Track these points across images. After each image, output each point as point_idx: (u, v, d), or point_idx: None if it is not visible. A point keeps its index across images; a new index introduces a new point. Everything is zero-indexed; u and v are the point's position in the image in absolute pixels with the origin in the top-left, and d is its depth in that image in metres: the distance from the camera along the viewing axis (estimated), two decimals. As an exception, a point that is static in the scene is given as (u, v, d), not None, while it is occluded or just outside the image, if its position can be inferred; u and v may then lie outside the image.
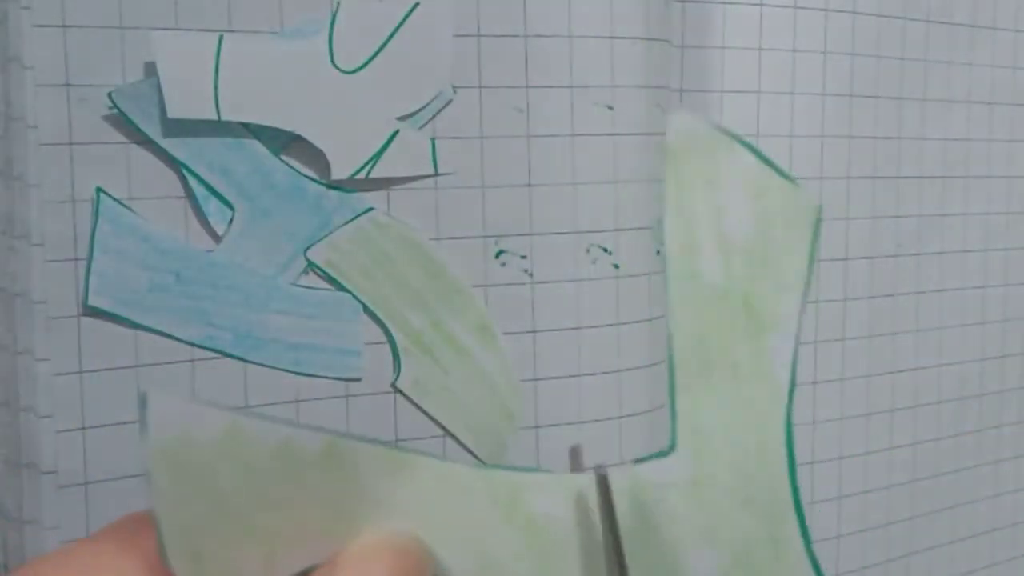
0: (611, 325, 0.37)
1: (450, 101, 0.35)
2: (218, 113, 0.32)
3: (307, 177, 0.33)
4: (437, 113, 0.34)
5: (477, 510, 0.20)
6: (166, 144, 0.32)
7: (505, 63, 0.35)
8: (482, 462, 0.35)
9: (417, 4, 0.34)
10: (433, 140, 0.34)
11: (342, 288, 0.34)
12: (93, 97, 0.31)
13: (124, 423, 0.32)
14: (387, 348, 0.35)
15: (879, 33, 0.43)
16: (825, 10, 0.41)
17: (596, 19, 0.36)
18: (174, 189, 0.32)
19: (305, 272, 0.34)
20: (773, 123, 0.41)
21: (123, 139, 0.31)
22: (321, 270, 0.34)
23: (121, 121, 0.31)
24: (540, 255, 0.36)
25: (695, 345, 0.20)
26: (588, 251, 0.36)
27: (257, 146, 0.33)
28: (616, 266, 0.37)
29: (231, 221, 0.33)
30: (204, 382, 0.33)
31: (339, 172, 0.33)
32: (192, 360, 0.32)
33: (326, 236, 0.34)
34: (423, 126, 0.34)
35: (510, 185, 0.35)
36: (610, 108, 0.36)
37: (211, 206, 0.32)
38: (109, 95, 0.31)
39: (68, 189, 0.31)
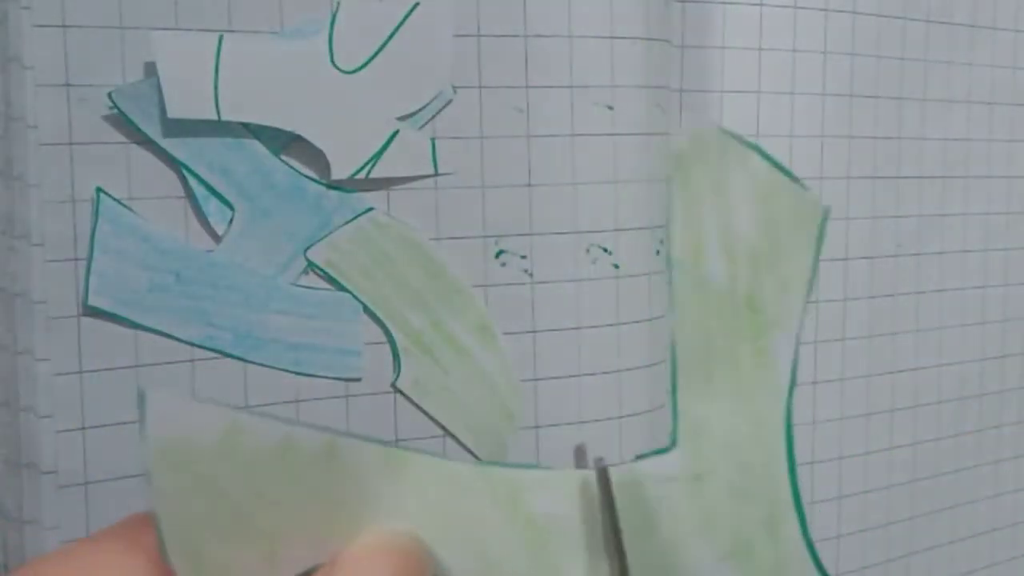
0: (611, 325, 0.37)
1: (450, 101, 0.35)
2: (218, 113, 0.32)
3: (307, 177, 0.33)
4: (437, 113, 0.34)
5: (477, 509, 0.20)
6: (166, 144, 0.32)
7: (505, 63, 0.35)
8: (482, 461, 0.35)
9: (417, 4, 0.34)
10: (433, 140, 0.34)
11: (342, 288, 0.34)
12: (93, 97, 0.31)
13: (124, 423, 0.32)
14: (387, 348, 0.35)
15: (879, 33, 0.43)
16: (825, 10, 0.41)
17: (596, 19, 0.36)
18: (174, 189, 0.32)
19: (305, 272, 0.34)
20: (773, 123, 0.41)
21: (123, 139, 0.31)
22: (321, 270, 0.34)
23: (121, 121, 0.31)
24: (540, 255, 0.36)
25: (697, 343, 0.20)
26: (588, 251, 0.36)
27: (257, 146, 0.33)
28: (616, 266, 0.37)
29: (231, 221, 0.33)
30: (204, 382, 0.33)
31: (339, 172, 0.33)
32: (192, 360, 0.32)
33: (326, 236, 0.34)
34: (423, 126, 0.34)
35: (510, 185, 0.35)
36: (610, 108, 0.36)
37: (211, 206, 0.32)
38: (109, 95, 0.31)
39: (68, 189, 0.31)
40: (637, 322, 0.37)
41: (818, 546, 0.21)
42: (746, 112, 0.40)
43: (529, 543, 0.20)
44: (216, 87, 0.31)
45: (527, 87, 0.35)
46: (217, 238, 0.33)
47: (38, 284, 0.31)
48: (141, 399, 0.17)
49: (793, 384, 0.21)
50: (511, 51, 0.35)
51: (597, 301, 0.37)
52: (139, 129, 0.31)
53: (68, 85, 0.30)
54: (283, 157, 0.33)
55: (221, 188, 0.32)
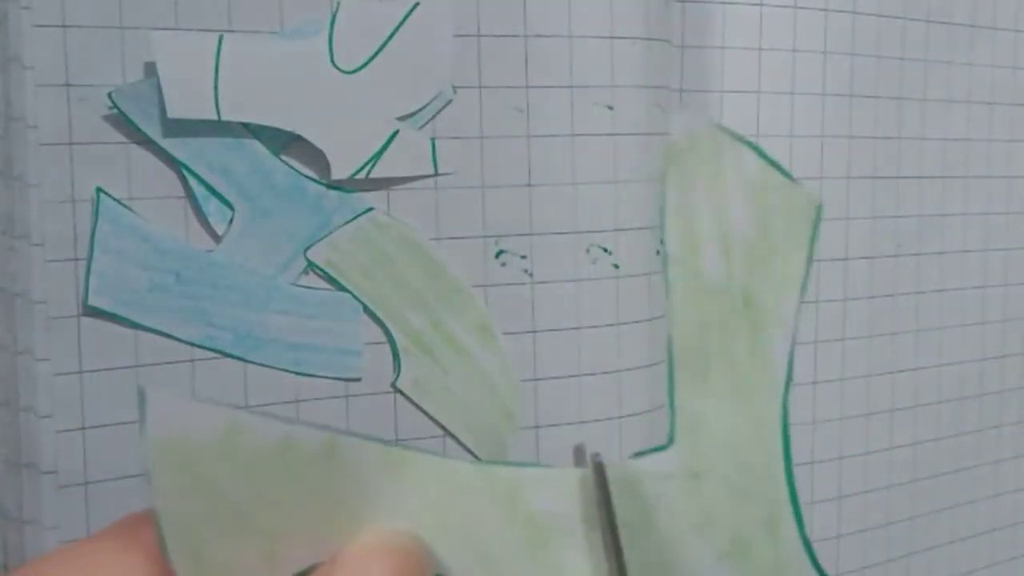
0: (611, 325, 0.37)
1: (450, 101, 0.35)
2: (218, 113, 0.32)
3: (307, 177, 0.33)
4: (437, 113, 0.34)
5: (477, 507, 0.20)
6: (166, 144, 0.32)
7: (505, 63, 0.35)
8: (482, 460, 0.35)
9: (417, 4, 0.34)
10: (433, 140, 0.34)
11: (342, 288, 0.34)
12: (93, 97, 0.31)
13: (124, 423, 0.32)
14: (387, 348, 0.35)
15: (879, 33, 0.43)
16: (825, 10, 0.41)
17: (596, 19, 0.36)
18: (174, 189, 0.32)
19: (305, 272, 0.34)
20: (773, 123, 0.41)
21: (123, 139, 0.31)
22: (321, 270, 0.34)
23: (121, 121, 0.31)
24: (540, 255, 0.36)
25: (695, 341, 0.20)
26: (588, 251, 0.36)
27: (257, 146, 0.33)
28: (616, 266, 0.37)
29: (231, 221, 0.33)
30: (204, 382, 0.33)
31: (339, 172, 0.33)
32: (192, 360, 0.32)
33: (326, 236, 0.34)
34: (423, 126, 0.34)
35: (510, 185, 0.35)
36: (610, 108, 0.36)
37: (211, 206, 0.32)
38: (109, 95, 0.31)
39: (68, 189, 0.31)
40: (637, 322, 0.37)
41: (818, 546, 0.21)
42: (746, 112, 0.40)
43: (529, 541, 0.20)
44: (216, 87, 0.31)
45: (527, 87, 0.35)
46: (217, 238, 0.33)
47: (38, 284, 0.31)
48: (141, 398, 0.17)
49: (789, 381, 0.21)
50: (511, 51, 0.35)
51: (597, 301, 0.37)
52: (139, 129, 0.31)
53: (68, 85, 0.30)
54: (283, 157, 0.33)
55: (221, 188, 0.32)
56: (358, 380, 0.34)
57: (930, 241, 0.46)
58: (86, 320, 0.31)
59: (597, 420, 0.37)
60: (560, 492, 0.20)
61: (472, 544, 0.20)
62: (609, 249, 0.36)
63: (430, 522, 0.20)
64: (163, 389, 0.17)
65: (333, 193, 0.34)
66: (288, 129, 0.33)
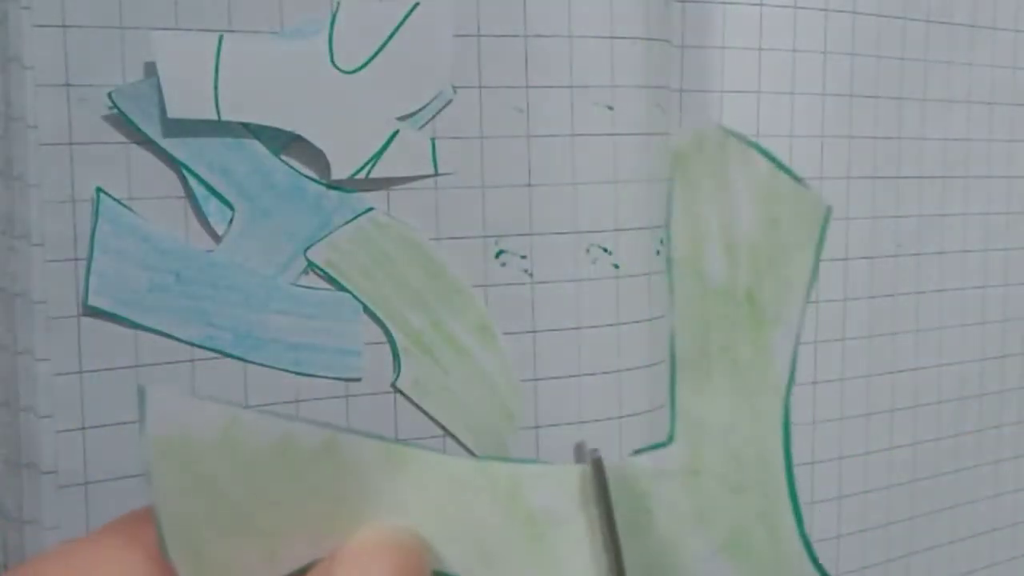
0: (611, 325, 0.37)
1: (450, 101, 0.35)
2: (218, 113, 0.32)
3: (307, 177, 0.33)
4: (437, 113, 0.34)
5: (477, 504, 0.20)
6: (166, 144, 0.32)
7: (505, 63, 0.35)
8: (482, 456, 0.35)
9: (417, 4, 0.34)
10: (433, 140, 0.34)
11: (342, 288, 0.34)
12: (93, 97, 0.31)
13: (124, 423, 0.32)
14: (387, 348, 0.35)
15: (879, 33, 0.43)
16: (825, 10, 0.41)
17: (596, 19, 0.36)
18: (174, 189, 0.32)
19: (305, 272, 0.34)
20: (773, 123, 0.41)
21: (123, 139, 0.31)
22: (321, 270, 0.34)
23: (121, 121, 0.31)
24: (540, 255, 0.36)
25: (697, 340, 0.20)
26: (588, 251, 0.36)
27: (257, 146, 0.33)
28: (616, 266, 0.37)
29: (231, 221, 0.33)
30: (204, 382, 0.33)
31: (339, 172, 0.33)
32: (192, 360, 0.32)
33: (326, 236, 0.34)
34: (423, 126, 0.34)
35: (510, 185, 0.35)
36: (610, 108, 0.36)
37: (211, 206, 0.32)
38: (109, 95, 0.31)
39: (68, 189, 0.31)
40: (637, 322, 0.37)
41: (818, 546, 0.21)
42: (746, 112, 0.40)
43: (529, 538, 0.20)
44: (216, 87, 0.31)
45: (527, 87, 0.35)
46: (217, 238, 0.33)
47: (38, 284, 0.31)
48: (141, 396, 0.17)
49: (791, 382, 0.21)
50: (511, 51, 0.35)
51: (597, 301, 0.37)
52: (139, 129, 0.31)
53: (68, 85, 0.30)
54: (283, 157, 0.33)
55: (221, 188, 0.32)
56: (358, 380, 0.34)
57: (930, 241, 0.46)
58: (86, 320, 0.31)
59: (597, 420, 0.37)
60: (559, 488, 0.20)
61: (471, 540, 0.20)
62: (609, 249, 0.36)
63: (430, 519, 0.20)
64: (163, 387, 0.17)
65: (333, 193, 0.34)
66: (288, 129, 0.33)
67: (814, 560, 0.21)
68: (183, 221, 0.32)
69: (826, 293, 0.43)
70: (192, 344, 0.32)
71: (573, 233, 0.36)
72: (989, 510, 0.49)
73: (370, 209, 0.34)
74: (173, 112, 0.31)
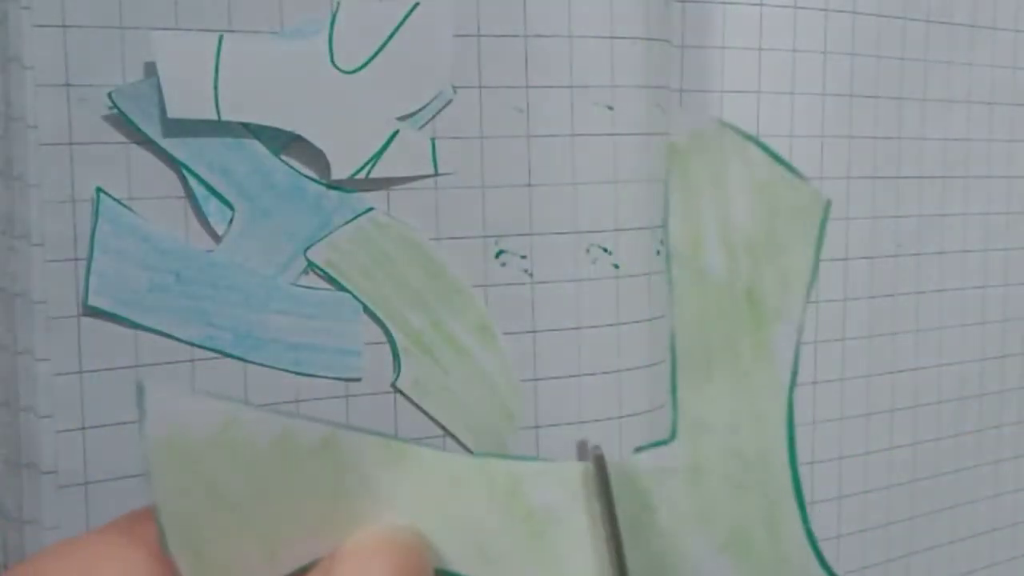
0: (611, 325, 0.37)
1: (450, 101, 0.35)
2: (218, 113, 0.32)
3: (307, 177, 0.33)
4: (437, 113, 0.34)
5: (477, 501, 0.20)
6: (166, 144, 0.32)
7: (505, 63, 0.35)
8: (481, 453, 0.35)
9: (417, 4, 0.34)
10: (433, 140, 0.34)
11: (342, 288, 0.34)
12: (93, 97, 0.31)
13: (124, 423, 0.32)
14: (387, 348, 0.35)
15: (879, 33, 0.43)
16: (825, 10, 0.41)
17: (596, 19, 0.36)
18: (174, 189, 0.32)
19: (305, 272, 0.34)
20: (773, 123, 0.41)
21: (123, 139, 0.31)
22: (321, 270, 0.34)
23: (121, 121, 0.31)
24: (540, 255, 0.36)
25: (698, 337, 0.20)
26: (588, 251, 0.36)
27: (257, 146, 0.33)
28: (616, 266, 0.37)
29: (231, 221, 0.33)
30: (204, 382, 0.33)
31: (339, 172, 0.33)
32: (192, 360, 0.32)
33: (326, 236, 0.34)
34: (423, 126, 0.34)
35: (510, 185, 0.35)
36: (610, 108, 0.36)
37: (211, 206, 0.32)
38: (109, 95, 0.31)
39: (68, 189, 0.31)
40: (637, 322, 0.37)
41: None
42: (746, 112, 0.40)
43: (529, 535, 0.20)
44: (216, 87, 0.31)
45: (527, 87, 0.35)
46: (217, 238, 0.33)
47: (38, 284, 0.31)
48: (140, 392, 0.17)
49: (794, 379, 0.21)
50: (511, 51, 0.35)
51: (597, 301, 0.37)
52: (139, 129, 0.31)
53: (68, 85, 0.30)
54: (283, 157, 0.33)
55: (221, 188, 0.32)
56: (358, 380, 0.34)
57: (930, 241, 0.46)
58: (86, 320, 0.31)
59: (597, 420, 0.37)
60: (560, 486, 0.20)
61: (472, 538, 0.20)
62: (609, 249, 0.36)
63: (430, 516, 0.20)
64: (162, 383, 0.17)
65: (333, 193, 0.34)
66: (288, 129, 0.33)
67: (820, 559, 0.21)
68: (183, 221, 0.32)
69: (826, 293, 0.43)
70: (192, 344, 0.32)
71: (573, 233, 0.36)
72: (989, 510, 0.49)
73: (370, 209, 0.34)
74: (173, 112, 0.31)
